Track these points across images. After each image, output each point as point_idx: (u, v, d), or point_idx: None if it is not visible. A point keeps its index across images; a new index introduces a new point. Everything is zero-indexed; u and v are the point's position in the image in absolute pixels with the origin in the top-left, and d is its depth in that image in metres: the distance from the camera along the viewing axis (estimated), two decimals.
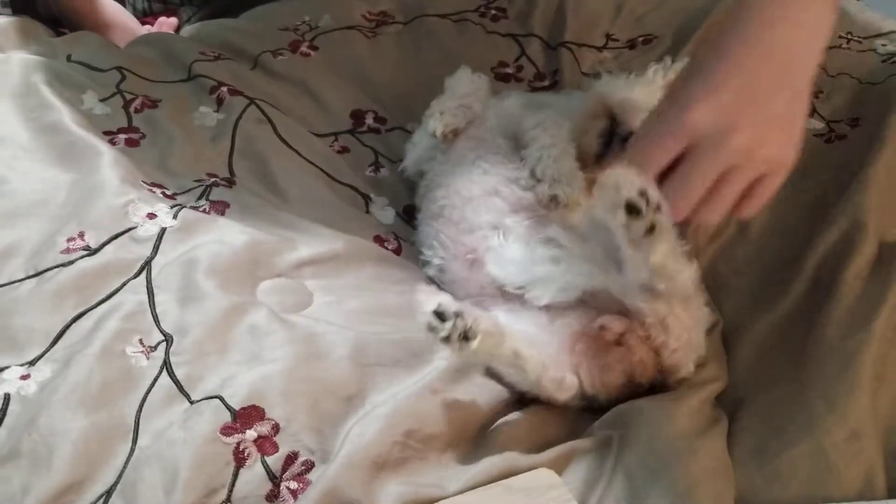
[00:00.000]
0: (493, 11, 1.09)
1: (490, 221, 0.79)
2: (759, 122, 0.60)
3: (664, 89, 0.86)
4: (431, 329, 0.60)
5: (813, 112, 0.92)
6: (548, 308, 0.70)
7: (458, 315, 0.60)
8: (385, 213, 0.89)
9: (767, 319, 0.71)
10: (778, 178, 0.63)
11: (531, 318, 0.70)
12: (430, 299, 0.61)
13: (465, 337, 0.60)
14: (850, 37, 1.00)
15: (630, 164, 0.61)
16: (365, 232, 0.84)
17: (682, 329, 0.65)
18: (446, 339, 0.60)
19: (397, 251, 0.84)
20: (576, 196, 0.77)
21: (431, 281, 0.82)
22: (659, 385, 0.68)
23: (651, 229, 0.59)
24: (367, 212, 0.88)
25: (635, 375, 0.67)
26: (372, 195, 0.90)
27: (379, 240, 0.84)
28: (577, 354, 0.67)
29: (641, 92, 0.85)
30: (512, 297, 0.74)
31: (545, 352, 0.65)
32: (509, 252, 0.72)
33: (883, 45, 0.99)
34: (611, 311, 0.67)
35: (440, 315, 0.60)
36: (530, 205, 0.79)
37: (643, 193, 0.58)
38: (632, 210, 0.58)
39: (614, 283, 0.66)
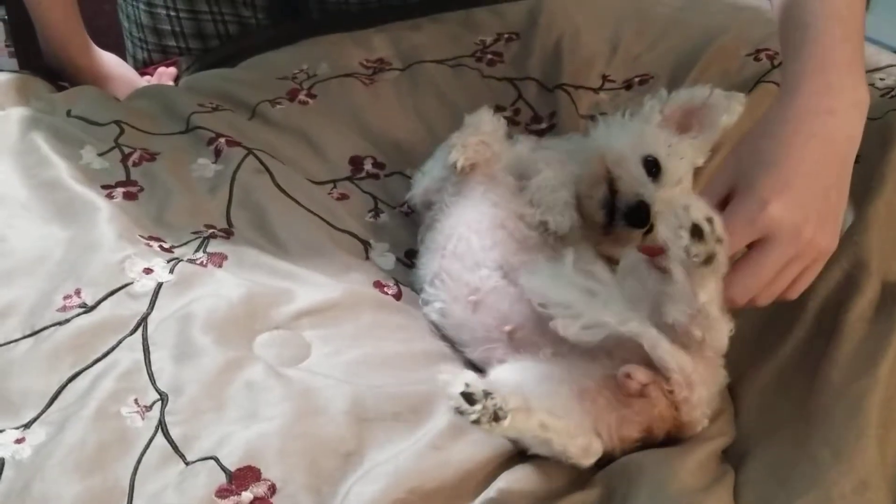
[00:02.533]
0: (490, 56, 1.09)
1: (496, 260, 0.78)
2: (821, 215, 0.64)
3: (663, 123, 0.86)
4: (461, 412, 0.58)
5: None
6: (561, 358, 0.69)
7: (487, 395, 0.58)
8: (385, 259, 0.89)
9: (770, 366, 0.70)
10: (821, 264, 0.67)
11: (544, 371, 0.69)
12: (456, 380, 0.58)
13: (496, 417, 0.58)
14: None
15: None
16: (364, 278, 0.83)
17: (704, 386, 0.65)
18: (476, 422, 0.58)
19: (397, 296, 0.84)
20: (565, 225, 0.78)
21: (434, 326, 0.81)
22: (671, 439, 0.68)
23: (709, 259, 0.60)
24: (367, 258, 0.88)
25: (653, 430, 0.66)
26: (372, 241, 0.90)
27: (379, 285, 0.84)
28: (597, 408, 0.65)
29: (640, 133, 0.84)
30: (521, 343, 0.73)
31: (569, 412, 0.64)
32: (546, 266, 0.73)
33: (881, 79, 0.98)
34: (632, 360, 0.66)
35: (468, 397, 0.58)
36: (536, 244, 0.79)
37: (710, 220, 0.60)
38: (696, 233, 0.60)
39: (647, 332, 0.65)
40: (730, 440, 0.68)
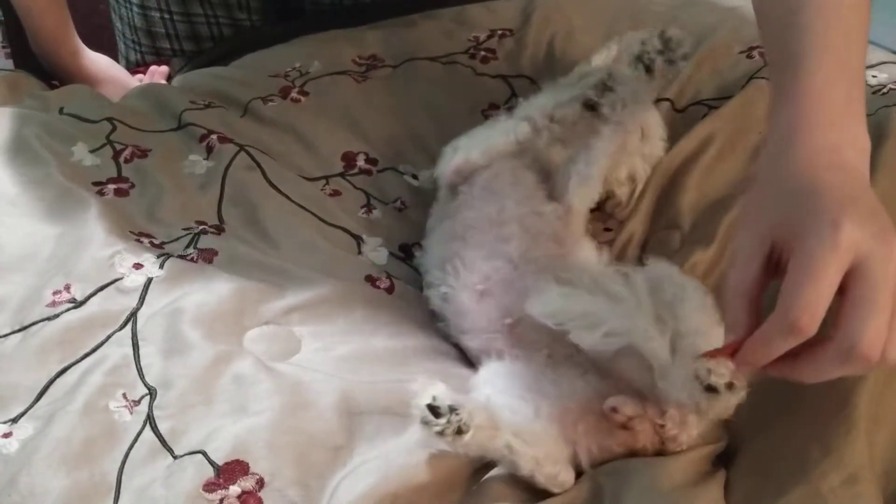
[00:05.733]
0: (483, 53, 1.09)
1: (510, 253, 0.78)
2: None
3: None
4: (425, 423, 0.60)
5: None
6: (556, 366, 0.69)
7: (452, 410, 0.60)
8: (378, 254, 0.89)
9: None
10: None
11: (533, 377, 0.69)
12: (425, 391, 0.61)
13: (459, 431, 0.60)
14: None
15: (793, 314, 0.51)
16: (356, 273, 0.83)
17: (696, 428, 0.64)
18: (440, 434, 0.60)
19: (390, 290, 0.84)
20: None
21: (433, 314, 0.81)
22: None
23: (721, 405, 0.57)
24: (360, 253, 0.88)
25: (636, 454, 0.66)
26: (364, 236, 0.90)
27: (371, 279, 0.84)
28: (577, 433, 0.65)
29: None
30: (520, 338, 0.74)
31: (540, 439, 0.64)
32: (555, 287, 0.69)
33: (874, 76, 0.98)
34: (623, 386, 0.66)
35: (434, 410, 0.60)
36: (550, 244, 0.79)
37: (731, 386, 0.56)
38: (711, 390, 0.56)
39: (662, 359, 0.62)
40: (723, 446, 0.68)
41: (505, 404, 0.67)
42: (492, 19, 1.13)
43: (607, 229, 0.91)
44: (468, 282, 0.78)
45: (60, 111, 0.98)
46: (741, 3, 1.18)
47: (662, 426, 0.64)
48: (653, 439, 0.65)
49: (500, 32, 1.11)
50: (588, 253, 0.82)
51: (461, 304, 0.78)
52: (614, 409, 0.64)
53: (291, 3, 1.21)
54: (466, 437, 0.60)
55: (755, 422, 0.67)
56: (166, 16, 1.21)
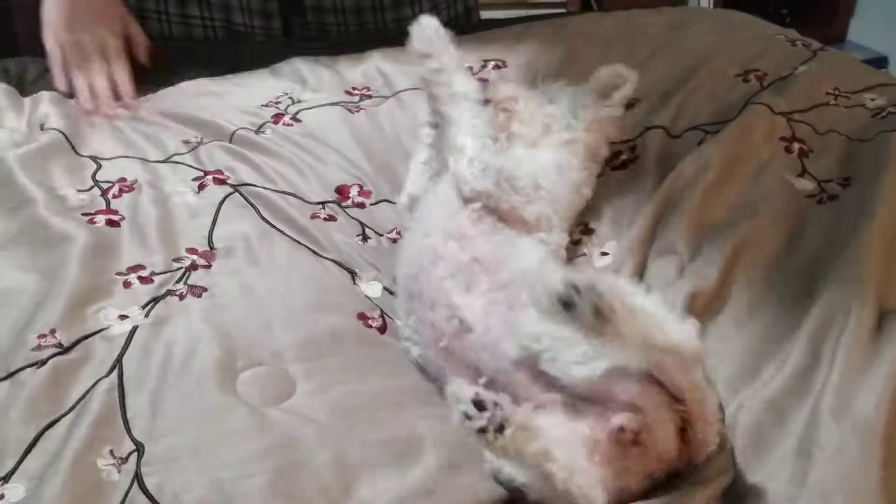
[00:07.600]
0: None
1: (446, 297, 0.77)
2: None
3: None
4: (468, 417, 0.58)
5: (803, 172, 0.89)
6: (547, 413, 0.67)
7: (496, 405, 0.58)
8: (371, 287, 0.88)
9: (762, 396, 0.68)
10: None
11: None
12: (467, 388, 0.59)
13: (501, 427, 0.58)
14: (837, 92, 0.98)
15: None
16: (349, 309, 0.82)
17: (714, 408, 0.64)
18: (482, 430, 0.58)
19: (382, 329, 0.83)
20: None
21: (419, 366, 0.79)
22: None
23: None
24: (354, 285, 0.87)
25: (655, 474, 0.65)
26: (357, 270, 0.88)
27: (363, 317, 0.82)
28: (596, 466, 0.63)
29: None
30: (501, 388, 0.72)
31: (576, 452, 0.62)
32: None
33: (872, 99, 0.97)
34: (613, 405, 0.64)
35: (478, 404, 0.58)
36: (472, 273, 0.78)
37: None
38: None
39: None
40: (730, 479, 0.66)
41: None
42: (483, 49, 1.13)
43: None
44: (429, 339, 0.77)
45: (42, 127, 1.00)
46: (737, 22, 1.18)
47: (686, 410, 0.63)
48: (666, 439, 0.64)
49: (493, 62, 1.11)
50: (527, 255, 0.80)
51: (434, 364, 0.77)
52: (622, 429, 0.63)
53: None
54: (507, 432, 0.58)
55: (759, 460, 0.66)
56: (163, 17, 1.22)
